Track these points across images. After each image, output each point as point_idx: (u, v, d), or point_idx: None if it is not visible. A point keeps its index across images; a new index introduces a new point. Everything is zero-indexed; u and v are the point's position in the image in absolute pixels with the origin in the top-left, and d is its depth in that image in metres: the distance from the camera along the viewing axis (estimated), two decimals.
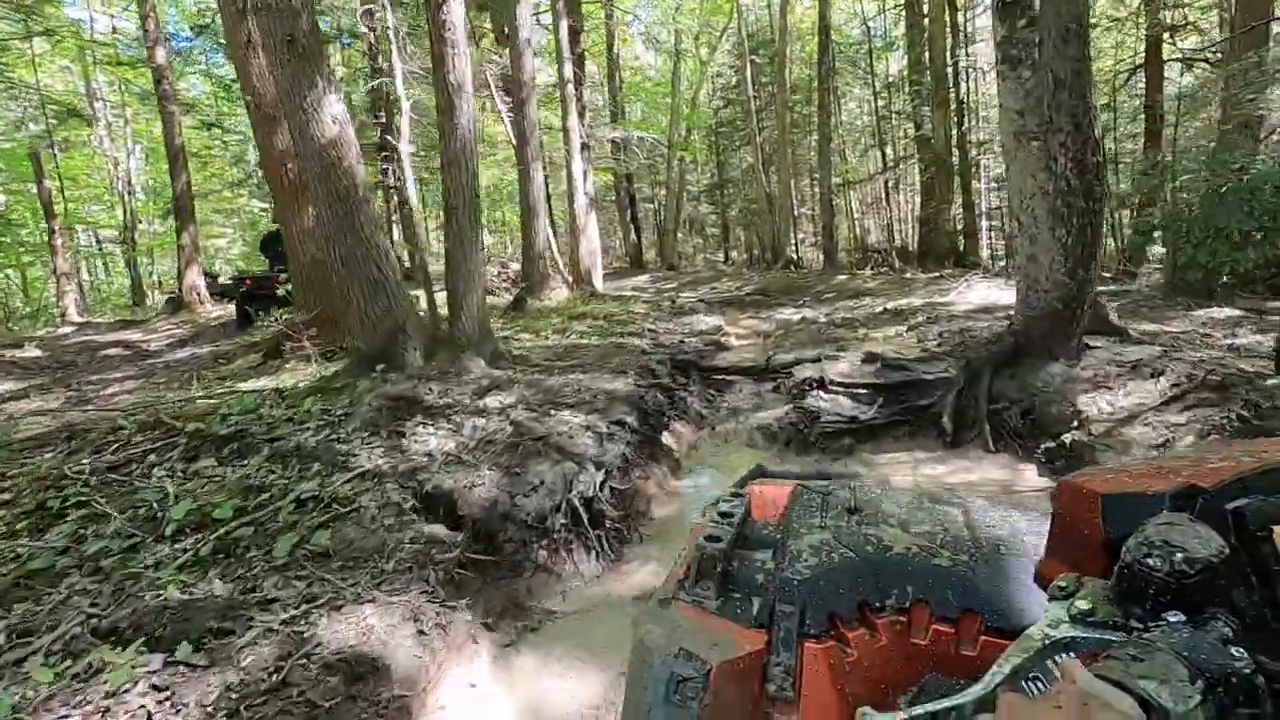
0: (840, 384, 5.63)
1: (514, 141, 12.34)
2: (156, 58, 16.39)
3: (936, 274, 15.02)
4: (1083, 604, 0.66)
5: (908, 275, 15.14)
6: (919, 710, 0.65)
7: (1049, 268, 5.01)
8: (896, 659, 0.95)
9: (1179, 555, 0.61)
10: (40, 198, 18.20)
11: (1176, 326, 7.19)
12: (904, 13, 20.69)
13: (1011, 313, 5.93)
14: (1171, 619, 0.60)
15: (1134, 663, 0.55)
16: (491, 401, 5.18)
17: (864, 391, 5.53)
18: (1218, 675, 0.53)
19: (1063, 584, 0.72)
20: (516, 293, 11.27)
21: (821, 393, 5.62)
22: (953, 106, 19.97)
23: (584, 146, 14.45)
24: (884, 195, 23.26)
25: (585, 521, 3.97)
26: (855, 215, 27.94)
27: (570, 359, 6.89)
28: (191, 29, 19.74)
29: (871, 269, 18.16)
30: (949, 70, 19.32)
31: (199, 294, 16.66)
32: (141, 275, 22.86)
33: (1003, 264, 19.26)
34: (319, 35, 5.25)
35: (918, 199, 23.91)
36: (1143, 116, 16.29)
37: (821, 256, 23.17)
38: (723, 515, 1.16)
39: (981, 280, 12.50)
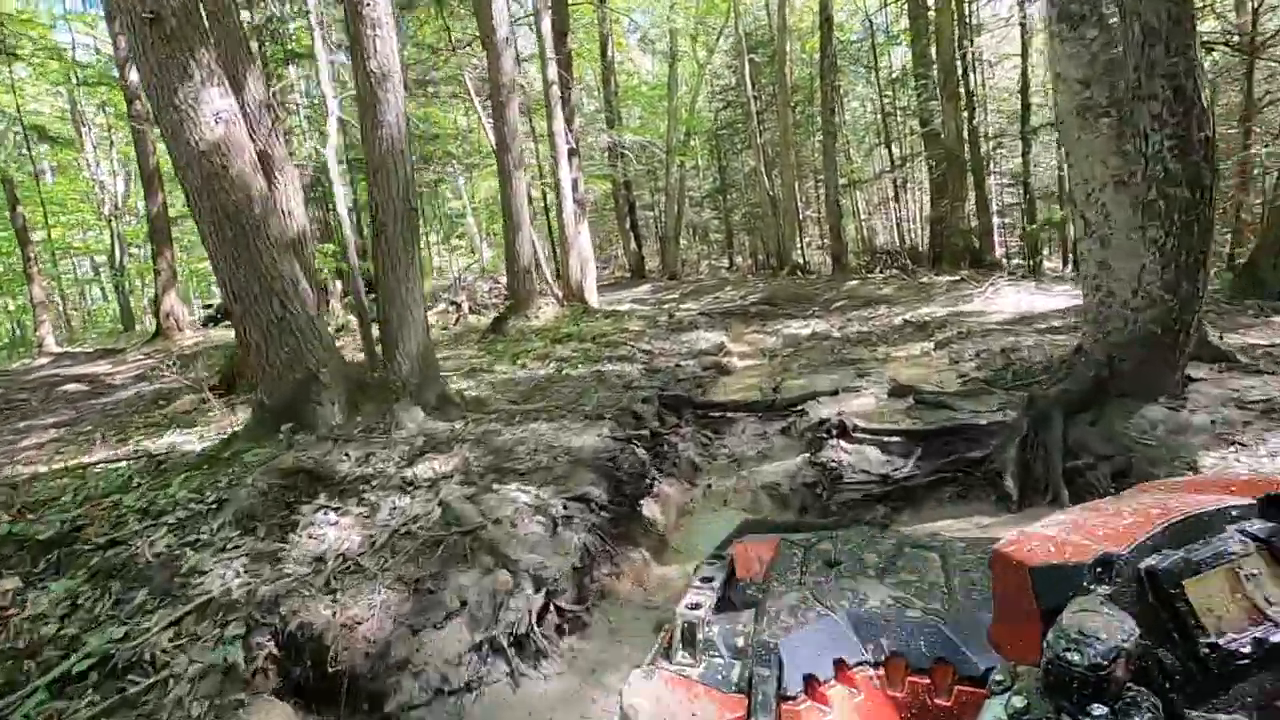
0: (866, 431, 4.39)
1: (494, 148, 11.20)
2: (129, 77, 15.41)
3: (955, 277, 13.71)
4: (1018, 700, 0.68)
5: (923, 279, 13.84)
6: None
7: (1138, 279, 3.77)
8: (875, 713, 0.95)
9: (1093, 649, 0.63)
10: (14, 225, 17.26)
11: (1262, 337, 5.88)
12: (906, 4, 19.48)
13: (1064, 327, 4.65)
14: (1095, 713, 0.62)
15: None
16: (423, 470, 3.99)
17: (897, 441, 4.29)
18: None
19: (999, 678, 0.76)
20: (495, 314, 10.10)
21: (843, 442, 4.38)
22: (962, 99, 18.73)
23: (572, 152, 13.29)
24: (893, 195, 21.94)
25: (518, 658, 2.76)
26: (861, 217, 26.63)
27: (539, 399, 5.69)
28: None
29: (882, 272, 16.89)
30: (958, 61, 18.13)
31: (177, 321, 15.60)
32: (132, 300, 21.91)
33: (1018, 263, 17.93)
34: (198, 14, 4.09)
35: (926, 198, 22.66)
36: None
37: (829, 260, 21.94)
38: (704, 580, 1.17)
39: (1007, 283, 11.21)
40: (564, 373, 6.98)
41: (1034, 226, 16.59)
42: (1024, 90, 18.93)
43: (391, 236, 4.74)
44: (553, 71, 11.93)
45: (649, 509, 4.18)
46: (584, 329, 9.90)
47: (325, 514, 3.53)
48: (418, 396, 4.71)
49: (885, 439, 4.38)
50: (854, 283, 13.89)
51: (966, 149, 18.09)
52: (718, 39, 22.51)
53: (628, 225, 23.87)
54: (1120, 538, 0.78)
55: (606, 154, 21.98)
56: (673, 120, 20.46)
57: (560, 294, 12.36)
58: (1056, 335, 6.58)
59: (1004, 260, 18.38)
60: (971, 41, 18.61)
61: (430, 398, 4.84)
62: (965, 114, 18.39)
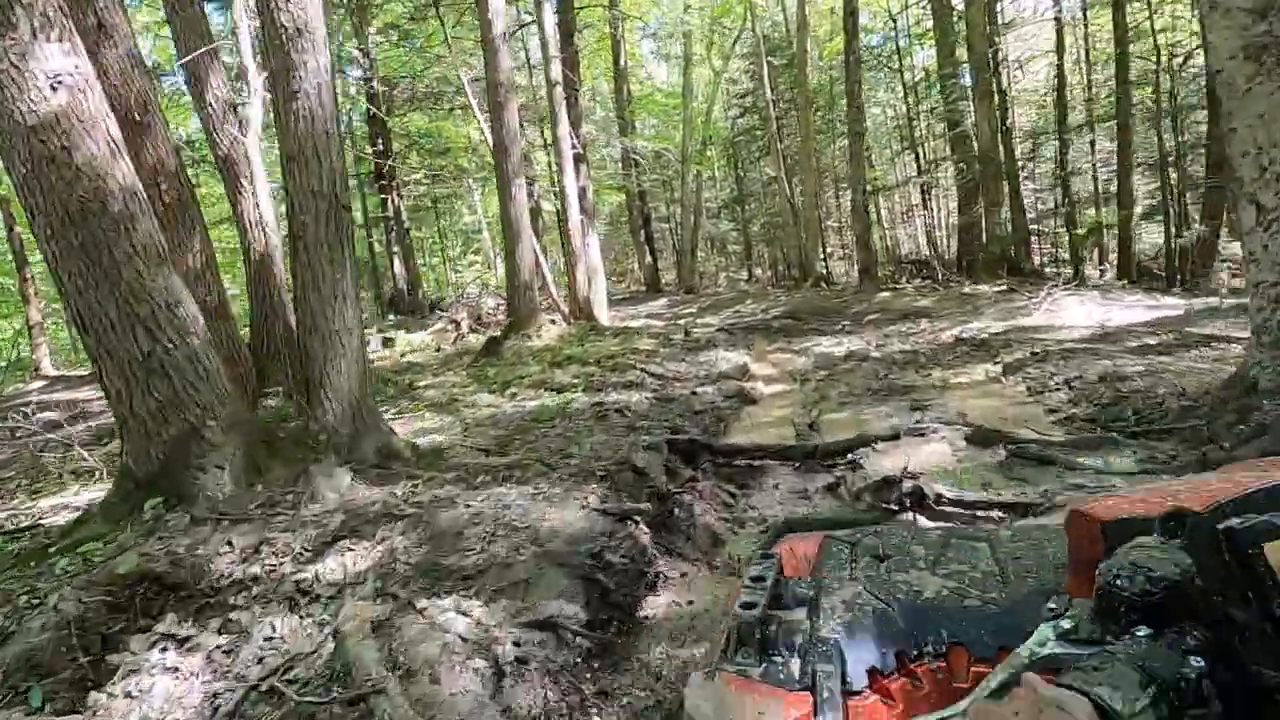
0: (955, 502, 3.11)
1: (492, 153, 10.10)
2: None
3: (997, 286, 12.31)
4: (1066, 623, 0.68)
5: (965, 290, 12.44)
6: None
7: None
8: (939, 705, 0.87)
9: (1142, 576, 0.64)
10: (11, 246, 16.52)
11: None
12: (930, 2, 18.25)
13: (1164, 346, 3.34)
14: (1139, 634, 0.62)
15: (1094, 672, 0.58)
16: (330, 567, 2.78)
17: (1000, 517, 3.01)
18: (1168, 682, 0.56)
19: (1053, 605, 0.75)
20: (490, 334, 8.93)
21: (922, 518, 3.11)
22: (996, 98, 17.41)
23: (579, 158, 12.16)
24: (920, 201, 20.50)
25: None
26: (885, 226, 25.21)
27: (516, 447, 4.46)
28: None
29: (909, 283, 15.54)
30: (990, 58, 16.84)
31: None
32: None
33: (1060, 271, 16.41)
34: None
35: (954, 204, 21.28)
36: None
37: (855, 271, 20.60)
38: (754, 580, 1.12)
39: (1066, 293, 9.82)
40: (558, 405, 5.75)
41: (1081, 231, 15.15)
42: (1060, 87, 17.57)
43: (313, 242, 3.56)
44: (556, 70, 10.83)
45: (654, 604, 2.92)
46: (589, 350, 8.69)
47: (164, 651, 2.32)
48: (348, 452, 3.53)
49: (981, 512, 3.09)
50: (885, 295, 12.54)
51: (1001, 150, 16.77)
52: (734, 44, 21.38)
53: (642, 237, 22.73)
54: (1203, 500, 0.74)
55: (619, 164, 20.91)
56: (688, 127, 19.31)
57: (566, 310, 11.19)
58: (1162, 357, 5.25)
59: (1042, 268, 16.90)
60: (1001, 38, 17.33)
61: (367, 452, 3.66)
62: (998, 114, 17.10)
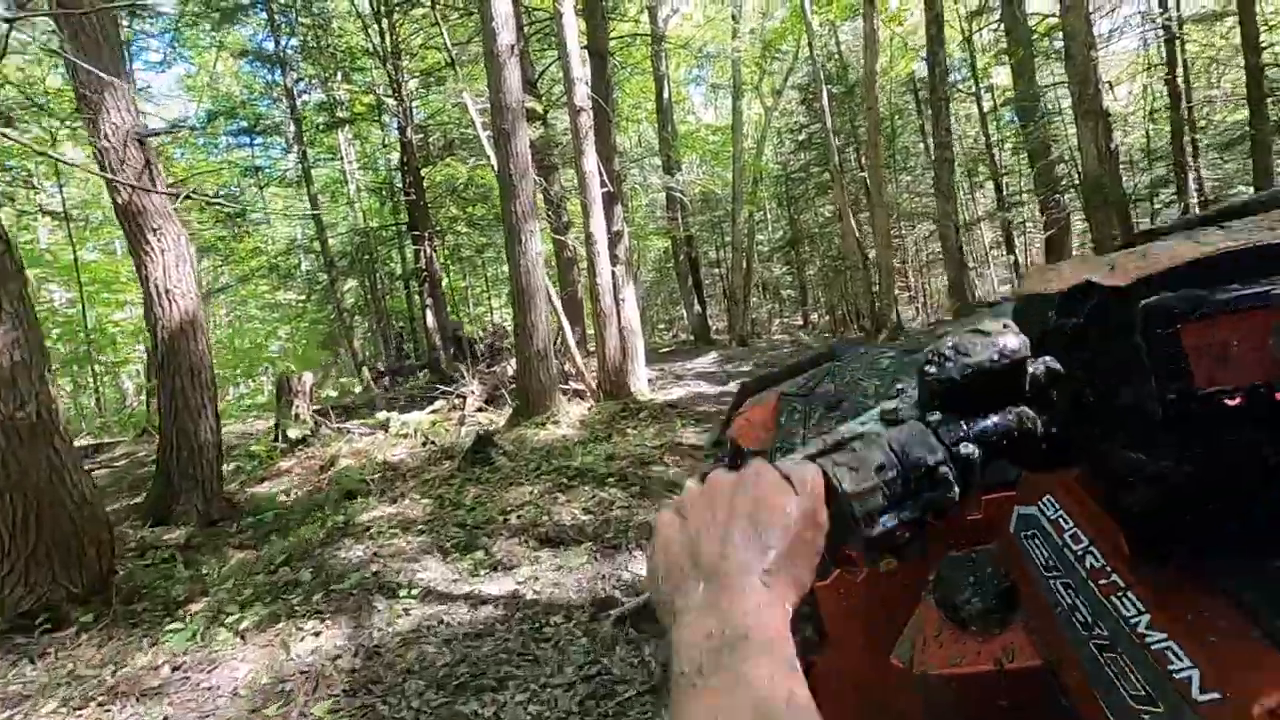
0: None
1: (500, 192, 7.87)
2: None
3: None
4: (888, 404, 0.63)
5: None
6: None
7: None
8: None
9: (952, 364, 0.58)
10: None
11: None
12: (1001, 13, 15.63)
13: None
14: (931, 418, 0.58)
15: (844, 452, 0.56)
16: None
17: None
18: (910, 465, 0.54)
19: (901, 387, 0.71)
20: (482, 431, 6.51)
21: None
22: (1100, 118, 14.49)
23: (612, 198, 9.87)
24: (1003, 241, 17.48)
25: None
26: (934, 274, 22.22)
27: None
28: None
29: None
30: (1094, 70, 14.06)
31: None
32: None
33: None
34: None
35: (1038, 244, 18.27)
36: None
37: (933, 318, 17.65)
38: (715, 446, 1.08)
39: None
40: (544, 603, 3.24)
41: None
42: (1174, 106, 14.62)
43: None
44: (581, 94, 8.62)
45: None
46: (616, 447, 6.20)
47: None
48: None
49: None
50: None
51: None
52: (787, 77, 19.09)
53: (689, 284, 20.34)
54: (1128, 275, 0.57)
55: (664, 209, 18.70)
56: (738, 163, 16.95)
57: (594, 383, 8.75)
58: None
59: None
60: (1106, 45, 14.54)
61: None
62: (1105, 134, 14.22)
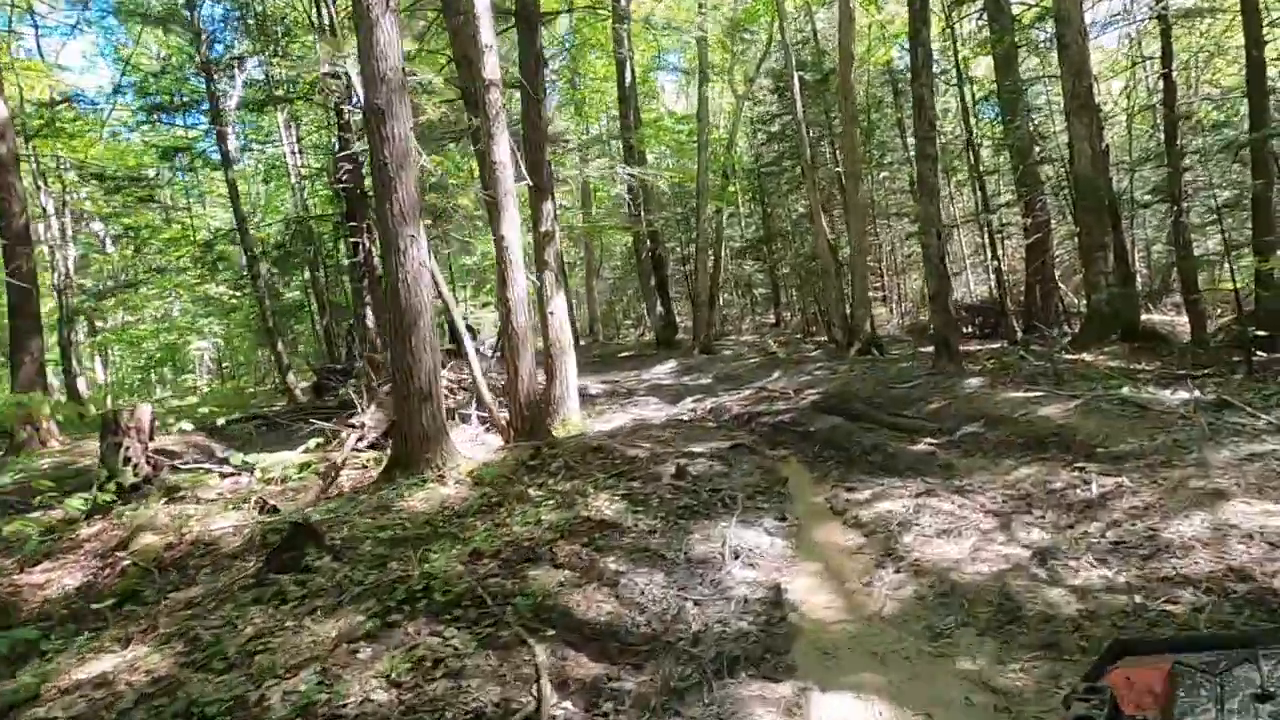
0: None
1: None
2: None
3: (1177, 371, 7.83)
4: None
5: (1078, 360, 7.95)
6: None
7: None
8: None
9: None
10: None
11: None
12: (985, 5, 14.20)
13: None
14: None
15: None
16: None
17: None
18: None
19: None
20: (301, 518, 4.80)
21: None
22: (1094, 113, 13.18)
23: (539, 192, 8.19)
24: (988, 243, 16.01)
25: None
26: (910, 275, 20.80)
27: None
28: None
29: (982, 350, 11.17)
30: (1087, 61, 12.66)
31: (42, 429, 10.95)
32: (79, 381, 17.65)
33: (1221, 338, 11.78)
34: None
35: (1017, 245, 16.90)
36: None
37: (905, 329, 16.23)
38: (1088, 692, 0.92)
39: None
40: None
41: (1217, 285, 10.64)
42: (1169, 102, 13.18)
43: None
44: (491, 65, 6.92)
45: None
46: (494, 533, 4.57)
47: None
48: None
49: None
50: (976, 384, 8.16)
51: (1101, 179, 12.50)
52: (759, 65, 17.41)
53: (653, 283, 18.72)
54: None
55: (627, 204, 17.02)
56: (703, 154, 15.28)
57: (507, 418, 7.10)
58: None
59: (1155, 330, 12.25)
60: (1101, 34, 13.09)
61: None
62: (1098, 131, 12.84)
